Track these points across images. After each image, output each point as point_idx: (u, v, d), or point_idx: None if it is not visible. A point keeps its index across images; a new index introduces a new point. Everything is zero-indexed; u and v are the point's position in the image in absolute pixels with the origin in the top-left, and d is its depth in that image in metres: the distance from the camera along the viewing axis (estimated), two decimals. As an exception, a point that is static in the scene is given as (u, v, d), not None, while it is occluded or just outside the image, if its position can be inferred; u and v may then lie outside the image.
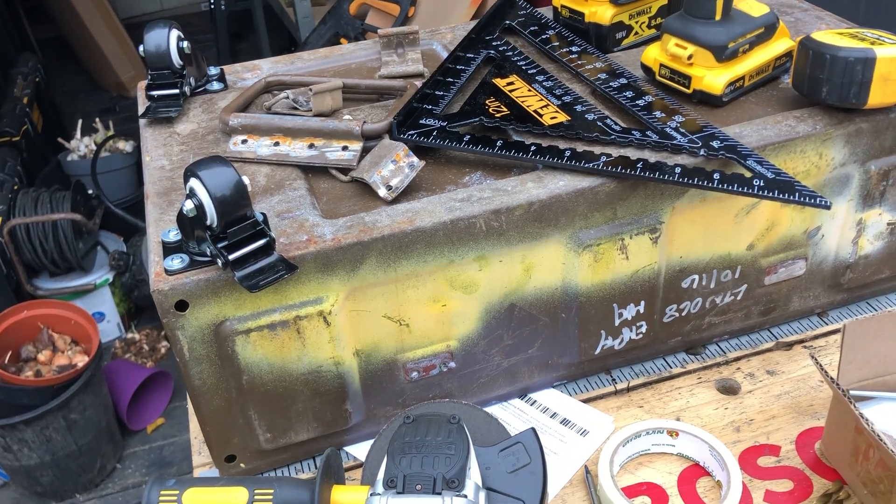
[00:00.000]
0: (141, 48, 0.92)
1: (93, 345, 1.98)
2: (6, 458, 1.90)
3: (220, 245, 0.67)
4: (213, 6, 3.49)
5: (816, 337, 0.97)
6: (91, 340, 2.00)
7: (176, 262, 0.71)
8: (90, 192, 2.46)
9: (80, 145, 2.79)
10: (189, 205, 0.66)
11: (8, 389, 1.85)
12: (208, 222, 0.67)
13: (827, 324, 0.98)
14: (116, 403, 2.12)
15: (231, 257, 0.67)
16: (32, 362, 1.98)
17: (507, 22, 1.05)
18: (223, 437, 0.81)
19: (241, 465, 0.83)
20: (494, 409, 0.90)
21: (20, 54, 3.08)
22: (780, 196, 0.75)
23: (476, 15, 2.06)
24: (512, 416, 0.89)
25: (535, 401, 0.91)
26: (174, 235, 0.73)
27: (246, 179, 0.68)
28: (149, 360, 2.41)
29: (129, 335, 2.47)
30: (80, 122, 2.84)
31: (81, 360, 1.98)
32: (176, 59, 0.93)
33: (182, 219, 0.69)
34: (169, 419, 2.25)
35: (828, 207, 0.74)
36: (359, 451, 0.86)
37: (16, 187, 2.31)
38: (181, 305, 0.71)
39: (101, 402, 2.01)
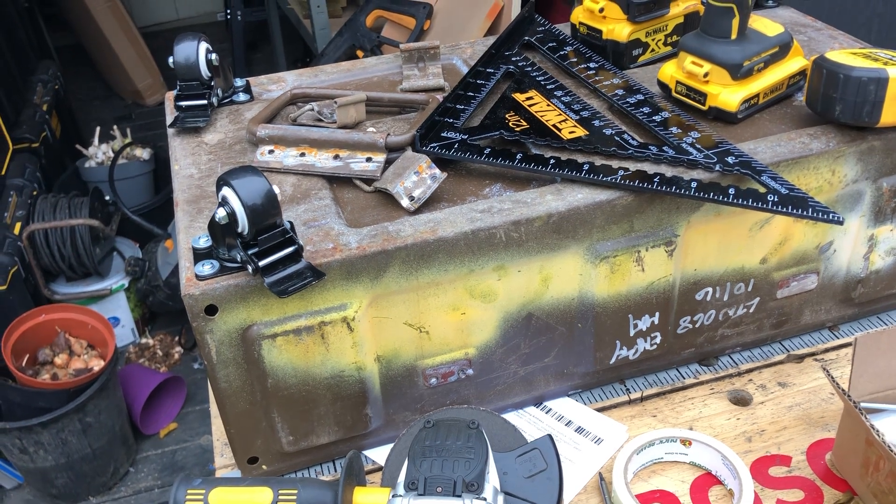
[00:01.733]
0: (170, 59, 0.95)
1: (109, 349, 2.00)
2: (22, 460, 1.92)
3: (250, 252, 0.70)
4: (229, 17, 3.53)
5: (827, 350, 0.98)
6: (107, 345, 2.02)
7: (206, 267, 0.73)
8: (107, 198, 2.49)
9: (98, 152, 2.83)
10: (221, 212, 0.69)
11: (25, 392, 1.88)
12: (240, 230, 0.69)
13: (838, 337, 0.99)
14: (130, 408, 2.15)
15: (261, 264, 0.69)
16: (49, 365, 2.01)
17: (526, 38, 1.08)
18: (247, 439, 0.83)
19: (263, 466, 0.85)
20: (510, 417, 0.91)
21: (40, 62, 3.13)
22: (794, 211, 0.76)
23: (492, 29, 2.09)
24: (527, 423, 0.91)
25: (551, 409, 0.92)
26: (204, 242, 0.75)
27: (276, 189, 0.70)
28: (162, 365, 2.44)
29: (144, 340, 2.49)
30: (98, 129, 2.88)
31: (97, 364, 2.00)
32: (204, 71, 0.96)
33: (213, 226, 0.71)
34: (182, 424, 2.27)
35: (840, 223, 0.76)
36: (377, 455, 0.88)
37: (35, 193, 2.34)
38: (211, 310, 0.73)
39: (116, 406, 2.04)
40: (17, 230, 2.17)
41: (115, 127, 2.93)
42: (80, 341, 2.07)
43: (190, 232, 0.79)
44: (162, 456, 2.19)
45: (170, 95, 1.01)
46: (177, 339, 2.51)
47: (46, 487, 2.01)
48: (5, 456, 1.98)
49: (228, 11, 3.52)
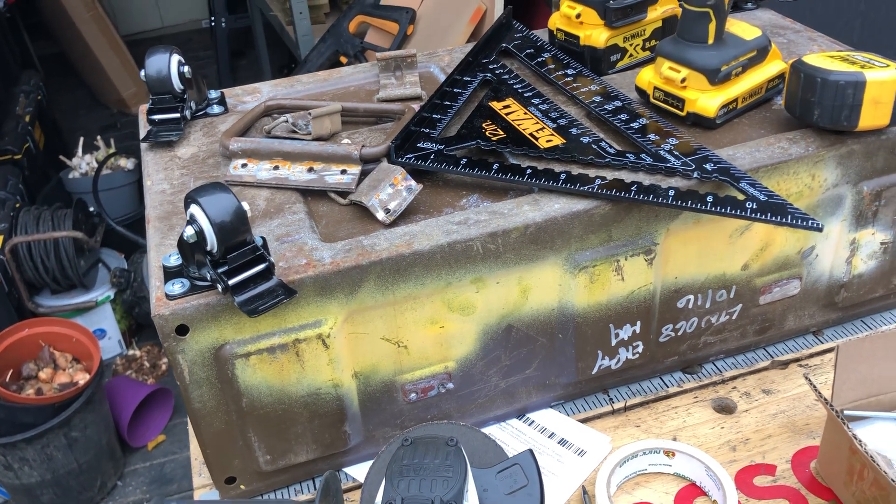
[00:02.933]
0: (142, 73, 0.93)
1: (94, 362, 1.98)
2: (7, 477, 1.90)
3: (220, 270, 0.68)
4: (213, 24, 3.52)
5: (812, 356, 0.97)
6: (92, 358, 2.00)
7: (177, 286, 0.72)
8: (91, 209, 2.47)
9: (82, 163, 2.81)
10: (189, 231, 0.67)
11: (9, 408, 1.86)
12: (208, 248, 0.68)
13: (822, 342, 0.99)
14: (117, 420, 2.13)
15: (231, 282, 0.68)
16: (34, 380, 1.99)
17: (504, 45, 1.07)
18: (223, 459, 0.81)
19: (242, 486, 0.84)
20: (493, 430, 0.90)
21: (22, 72, 3.10)
22: (773, 219, 0.76)
23: (474, 33, 2.08)
24: (510, 436, 0.90)
25: (533, 421, 0.91)
26: (175, 260, 0.74)
27: (246, 205, 0.69)
28: (150, 376, 2.42)
29: (130, 352, 2.47)
30: (81, 139, 2.86)
31: (83, 378, 1.98)
32: (177, 84, 0.94)
33: (183, 244, 0.70)
34: (170, 436, 2.25)
35: (820, 230, 0.75)
36: (358, 472, 0.87)
37: (18, 205, 2.32)
38: (182, 330, 0.71)
39: (103, 420, 2.02)
40: (-1, 244, 2.15)
41: (98, 137, 2.91)
42: (64, 355, 2.05)
43: (161, 249, 0.77)
44: (150, 469, 2.17)
45: (143, 109, 0.99)
46: (164, 350, 2.49)
47: (33, 503, 1.99)
48: (-10, 473, 1.96)
49: (213, 18, 3.51)
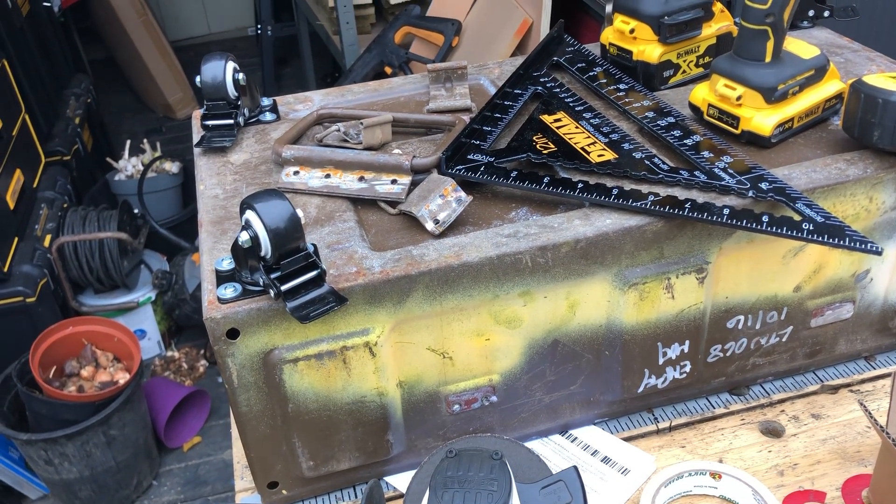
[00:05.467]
0: (197, 79, 0.95)
1: (134, 362, 2.01)
2: (47, 472, 1.94)
3: (273, 276, 0.69)
4: (259, 31, 3.57)
5: (863, 381, 0.95)
6: (132, 358, 2.03)
7: (229, 290, 0.72)
8: (136, 211, 2.51)
9: (128, 165, 2.86)
10: (244, 236, 0.68)
11: (51, 404, 1.89)
12: (262, 253, 0.69)
13: (874, 368, 0.96)
14: (154, 421, 2.15)
15: (283, 288, 0.69)
16: (75, 378, 2.02)
17: (555, 58, 1.06)
18: (267, 464, 0.82)
19: (284, 491, 0.84)
20: (535, 445, 0.90)
21: (73, 75, 3.17)
22: (830, 241, 0.74)
23: (520, 46, 2.08)
24: (552, 452, 0.89)
25: (576, 437, 0.90)
26: (227, 264, 0.75)
27: (300, 212, 0.69)
28: (187, 378, 2.44)
29: (169, 353, 2.50)
30: (128, 142, 2.92)
31: (123, 378, 2.01)
32: (231, 91, 0.96)
33: (236, 249, 0.71)
34: (205, 438, 2.27)
35: (879, 253, 0.73)
36: (399, 481, 0.87)
37: (65, 205, 2.37)
38: (232, 333, 0.72)
39: (141, 420, 2.04)
40: (46, 242, 2.19)
41: (144, 140, 2.96)
42: (106, 354, 2.08)
43: (213, 253, 0.78)
44: (185, 470, 2.19)
45: (196, 114, 1.01)
46: (202, 352, 2.52)
47: (70, 499, 2.02)
48: (31, 467, 1.99)
49: (259, 26, 3.56)
